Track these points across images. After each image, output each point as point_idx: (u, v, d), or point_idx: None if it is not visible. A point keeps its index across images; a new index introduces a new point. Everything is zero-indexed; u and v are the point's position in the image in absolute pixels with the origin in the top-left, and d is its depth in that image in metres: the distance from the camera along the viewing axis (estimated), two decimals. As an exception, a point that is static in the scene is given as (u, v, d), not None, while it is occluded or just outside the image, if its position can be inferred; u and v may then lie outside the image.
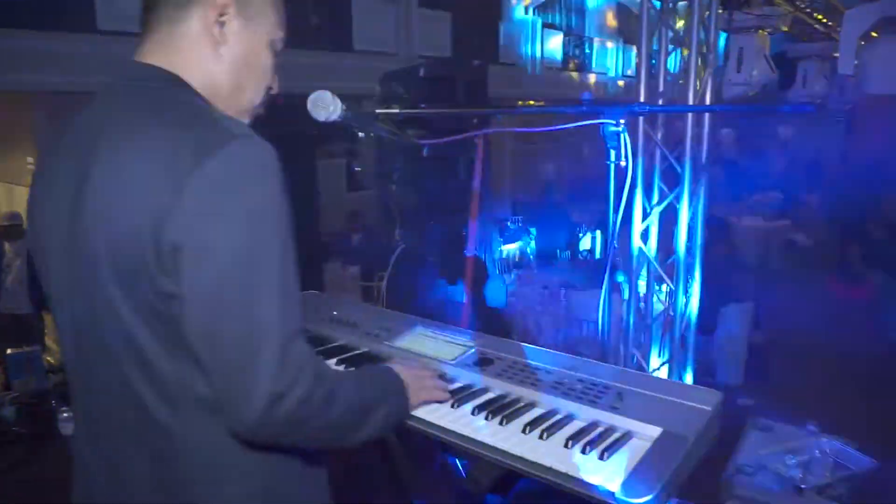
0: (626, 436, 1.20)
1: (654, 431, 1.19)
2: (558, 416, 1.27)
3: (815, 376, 5.00)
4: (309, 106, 1.44)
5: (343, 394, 1.01)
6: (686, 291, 3.60)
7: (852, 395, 4.54)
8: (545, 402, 1.33)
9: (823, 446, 3.17)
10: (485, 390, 1.39)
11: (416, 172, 3.14)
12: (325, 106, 1.43)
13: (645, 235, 3.75)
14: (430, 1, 9.61)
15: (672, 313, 3.62)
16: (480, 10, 10.47)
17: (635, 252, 3.76)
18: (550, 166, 10.99)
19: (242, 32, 1.06)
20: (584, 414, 1.27)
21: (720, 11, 3.40)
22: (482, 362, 1.50)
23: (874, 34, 3.15)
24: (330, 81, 1.63)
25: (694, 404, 1.25)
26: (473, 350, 1.57)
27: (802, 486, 2.91)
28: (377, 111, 1.66)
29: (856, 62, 3.20)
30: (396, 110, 1.69)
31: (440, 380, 1.36)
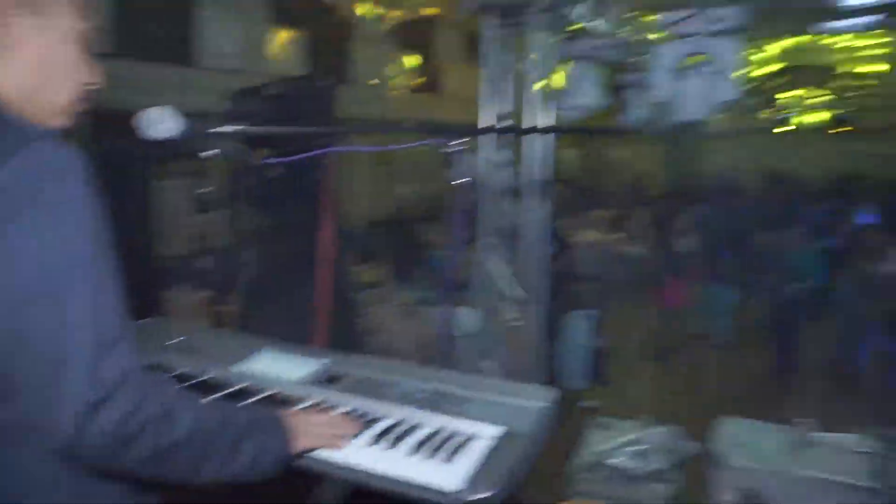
0: (470, 437, 1.26)
1: (496, 431, 1.26)
2: (405, 426, 1.31)
3: (652, 375, 5.50)
4: (141, 122, 1.37)
5: (190, 416, 0.95)
6: (532, 302, 3.82)
7: (682, 388, 5.05)
8: (393, 412, 1.36)
9: (656, 436, 3.48)
10: (333, 407, 1.39)
11: (265, 193, 3.06)
12: (162, 123, 1.37)
13: (492, 250, 3.94)
14: (283, 18, 9.45)
15: (519, 323, 3.82)
16: (335, 29, 10.46)
17: (483, 267, 3.93)
18: (404, 186, 11.18)
19: (32, 30, 0.98)
20: (431, 421, 1.32)
21: (556, 40, 3.68)
22: (331, 379, 1.50)
23: (683, 67, 3.59)
24: (174, 97, 1.57)
25: (531, 402, 1.35)
26: (323, 368, 1.56)
27: (637, 475, 3.18)
28: (216, 129, 1.62)
29: (670, 92, 3.61)
30: (236, 128, 1.66)
31: (349, 426, 1.26)
